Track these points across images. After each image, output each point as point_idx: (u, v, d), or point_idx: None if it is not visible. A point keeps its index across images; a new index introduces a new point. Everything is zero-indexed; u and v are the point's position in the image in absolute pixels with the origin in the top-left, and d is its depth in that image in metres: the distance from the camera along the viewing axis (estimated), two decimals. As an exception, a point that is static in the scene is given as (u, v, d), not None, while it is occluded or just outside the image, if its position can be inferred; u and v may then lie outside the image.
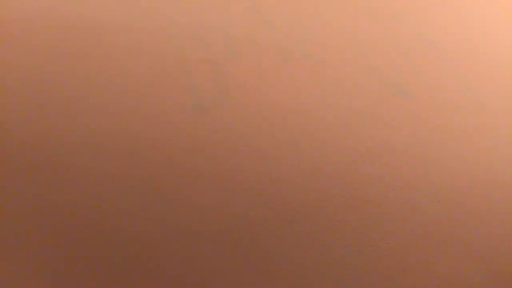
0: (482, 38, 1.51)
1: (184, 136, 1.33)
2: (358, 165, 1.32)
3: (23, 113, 1.34)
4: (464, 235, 1.25)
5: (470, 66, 1.47)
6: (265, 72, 1.42)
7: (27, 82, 1.38)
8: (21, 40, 1.43)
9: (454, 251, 1.23)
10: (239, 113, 1.36)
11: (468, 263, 1.22)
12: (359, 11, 1.52)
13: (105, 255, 1.18)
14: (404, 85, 1.43)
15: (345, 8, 1.52)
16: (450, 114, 1.40)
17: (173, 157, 1.30)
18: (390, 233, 1.24)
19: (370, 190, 1.29)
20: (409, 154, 1.34)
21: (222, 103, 1.37)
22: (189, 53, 1.43)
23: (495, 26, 1.53)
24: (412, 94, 1.42)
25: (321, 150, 1.33)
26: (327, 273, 1.19)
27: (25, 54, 1.41)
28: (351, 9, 1.53)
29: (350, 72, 1.44)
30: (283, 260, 1.20)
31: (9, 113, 1.34)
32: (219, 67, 1.42)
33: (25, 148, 1.29)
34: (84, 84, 1.38)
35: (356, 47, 1.47)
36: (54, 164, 1.28)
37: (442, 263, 1.22)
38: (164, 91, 1.38)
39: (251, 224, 1.23)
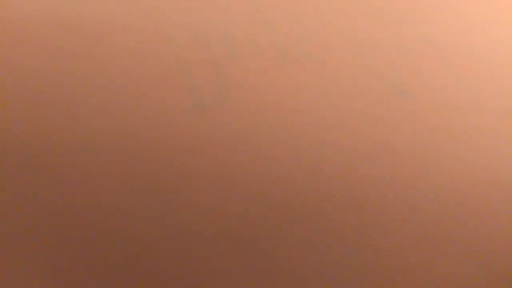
0: (482, 38, 1.51)
1: (184, 136, 1.33)
2: (358, 165, 1.32)
3: (23, 113, 1.34)
4: (464, 235, 1.25)
5: (470, 66, 1.47)
6: (265, 72, 1.42)
7: (27, 82, 1.38)
8: (21, 40, 1.43)
9: (454, 251, 1.23)
10: (239, 113, 1.36)
11: (468, 263, 1.22)
12: (359, 11, 1.52)
13: (105, 255, 1.18)
14: (404, 85, 1.43)
15: (345, 8, 1.52)
16: (450, 114, 1.40)
17: (173, 157, 1.30)
18: (390, 233, 1.24)
19: (370, 190, 1.29)
20: (409, 154, 1.34)
21: (222, 103, 1.37)
22: (189, 53, 1.43)
23: (495, 26, 1.53)
24: (412, 94, 1.42)
25: (321, 150, 1.33)
26: (327, 273, 1.19)
27: (25, 54, 1.41)
28: (351, 9, 1.53)
29: (350, 72, 1.44)
30: (283, 260, 1.20)
31: (9, 113, 1.34)
32: (219, 67, 1.42)
33: (25, 148, 1.29)
34: (84, 84, 1.38)
35: (356, 47, 1.47)
36: (54, 164, 1.28)
37: (442, 263, 1.22)
38: (164, 91, 1.38)
39: (251, 224, 1.23)
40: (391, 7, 1.54)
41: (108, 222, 1.22)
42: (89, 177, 1.27)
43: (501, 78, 1.46)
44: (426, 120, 1.39)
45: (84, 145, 1.30)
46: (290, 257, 1.20)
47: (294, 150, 1.33)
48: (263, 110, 1.37)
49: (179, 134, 1.33)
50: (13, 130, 1.32)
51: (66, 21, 1.46)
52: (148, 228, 1.22)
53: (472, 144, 1.36)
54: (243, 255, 1.20)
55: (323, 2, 1.53)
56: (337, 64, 1.44)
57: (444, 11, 1.54)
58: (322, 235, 1.23)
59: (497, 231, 1.26)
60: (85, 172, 1.27)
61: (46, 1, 1.48)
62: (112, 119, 1.34)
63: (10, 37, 1.43)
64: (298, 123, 1.36)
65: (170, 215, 1.23)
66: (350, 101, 1.40)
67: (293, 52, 1.45)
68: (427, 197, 1.29)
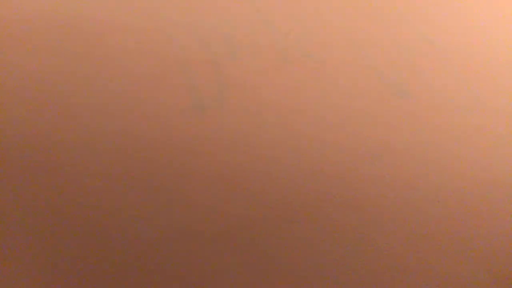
0: (482, 38, 1.51)
1: (184, 136, 1.33)
2: (358, 165, 1.32)
3: (23, 113, 1.34)
4: (464, 235, 1.25)
5: (470, 66, 1.47)
6: (265, 72, 1.42)
7: (27, 82, 1.38)
8: (21, 40, 1.43)
9: (454, 251, 1.23)
10: (239, 113, 1.36)
11: (468, 263, 1.22)
12: (359, 11, 1.52)
13: (105, 255, 1.18)
14: (404, 85, 1.43)
15: (345, 8, 1.52)
16: (450, 114, 1.40)
17: (173, 157, 1.30)
18: (390, 233, 1.24)
19: (370, 190, 1.29)
20: (409, 154, 1.34)
21: (222, 103, 1.37)
22: (189, 53, 1.43)
23: (495, 26, 1.53)
24: (412, 94, 1.42)
25: (321, 150, 1.33)
26: (327, 273, 1.19)
27: (25, 54, 1.41)
28: (351, 9, 1.52)
29: (350, 72, 1.44)
30: (283, 260, 1.20)
31: (9, 113, 1.34)
32: (219, 67, 1.42)
33: (25, 148, 1.29)
34: (84, 84, 1.38)
35: (356, 47, 1.47)
36: (54, 164, 1.28)
37: (442, 263, 1.22)
38: (164, 91, 1.38)
39: (251, 224, 1.23)
40: (391, 7, 1.54)
41: (108, 222, 1.22)
42: (89, 177, 1.27)
43: (501, 78, 1.46)
44: (426, 120, 1.39)
45: (84, 145, 1.30)
46: (290, 257, 1.20)
47: (294, 150, 1.33)
48: (263, 110, 1.37)
49: (179, 134, 1.33)
50: (13, 130, 1.32)
51: (66, 21, 1.46)
52: (148, 228, 1.22)
53: (472, 144, 1.36)
54: (243, 255, 1.20)
55: (323, 2, 1.53)
56: (337, 64, 1.44)
57: (444, 11, 1.54)
58: (322, 235, 1.23)
59: (497, 231, 1.26)
60: (85, 172, 1.27)
61: (46, 1, 1.48)
62: (112, 119, 1.34)
63: (10, 37, 1.43)
64: (298, 123, 1.36)
65: (170, 215, 1.23)
66: (350, 101, 1.40)
67: (293, 52, 1.45)
68: (427, 197, 1.29)
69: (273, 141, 1.34)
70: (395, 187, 1.29)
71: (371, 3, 1.55)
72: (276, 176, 1.29)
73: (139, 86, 1.39)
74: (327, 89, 1.41)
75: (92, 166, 1.28)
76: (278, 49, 1.45)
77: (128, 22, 1.47)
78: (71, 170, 1.27)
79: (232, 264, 1.19)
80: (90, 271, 1.17)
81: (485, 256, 1.23)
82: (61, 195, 1.24)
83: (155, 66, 1.41)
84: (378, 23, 1.51)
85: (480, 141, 1.37)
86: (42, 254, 1.18)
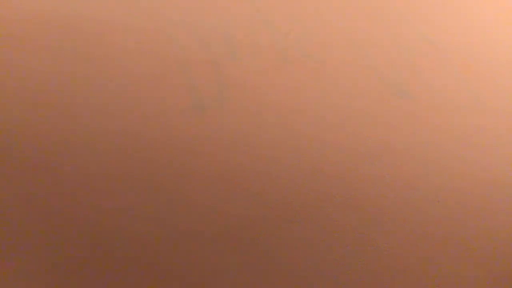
0: (482, 38, 1.51)
1: (184, 136, 1.33)
2: (358, 165, 1.32)
3: (23, 113, 1.34)
4: (464, 235, 1.25)
5: (470, 66, 1.47)
6: (265, 72, 1.42)
7: (27, 82, 1.38)
8: (21, 40, 1.43)
9: (454, 251, 1.23)
10: (239, 113, 1.36)
11: (468, 263, 1.22)
12: (359, 11, 1.52)
13: (105, 255, 1.18)
14: (404, 85, 1.43)
15: (345, 8, 1.52)
16: (450, 114, 1.40)
17: (173, 157, 1.30)
18: (390, 233, 1.24)
19: (370, 190, 1.29)
20: (409, 154, 1.34)
21: (222, 103, 1.37)
22: (189, 53, 1.43)
23: (495, 26, 1.53)
24: (412, 94, 1.42)
25: (321, 150, 1.33)
26: (327, 273, 1.19)
27: (25, 54, 1.41)
28: (351, 9, 1.52)
29: (350, 72, 1.44)
30: (283, 260, 1.20)
31: (9, 113, 1.34)
32: (219, 67, 1.42)
33: (25, 148, 1.29)
34: (84, 84, 1.38)
35: (356, 47, 1.47)
36: (54, 164, 1.28)
37: (442, 263, 1.22)
38: (164, 91, 1.38)
39: (251, 224, 1.23)
40: (391, 7, 1.53)
41: (108, 222, 1.22)
42: (89, 177, 1.27)
43: (501, 78, 1.46)
44: (426, 120, 1.39)
45: (84, 145, 1.30)
46: (290, 257, 1.20)
47: (294, 150, 1.33)
48: (263, 110, 1.37)
49: (179, 134, 1.33)
50: (13, 130, 1.32)
51: (66, 21, 1.46)
52: (148, 228, 1.22)
53: (472, 144, 1.36)
54: (243, 255, 1.20)
55: (323, 2, 1.53)
56: (337, 64, 1.44)
57: (444, 11, 1.54)
58: (322, 235, 1.23)
59: (497, 231, 1.26)
60: (85, 172, 1.27)
61: (46, 1, 1.48)
62: (112, 119, 1.34)
63: (10, 37, 1.43)
64: (298, 123, 1.36)
65: (170, 215, 1.23)
66: (350, 101, 1.40)
67: (293, 52, 1.45)
68: (427, 197, 1.29)
69: (273, 141, 1.34)
70: (395, 187, 1.29)
71: (371, 3, 1.55)
72: (276, 176, 1.29)
73: (139, 86, 1.39)
74: (327, 89, 1.41)
75: (92, 166, 1.28)
76: (278, 49, 1.45)
77: (128, 22, 1.47)
78: (71, 170, 1.27)
79: (232, 264, 1.19)
80: (90, 271, 1.17)
81: (485, 256, 1.23)
82: (61, 195, 1.24)
83: (155, 66, 1.41)
84: (378, 23, 1.51)
85: (480, 141, 1.37)
86: (42, 254, 1.18)
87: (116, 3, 1.50)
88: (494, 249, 1.24)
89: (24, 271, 1.16)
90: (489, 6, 1.57)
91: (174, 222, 1.22)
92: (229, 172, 1.29)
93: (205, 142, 1.32)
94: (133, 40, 1.44)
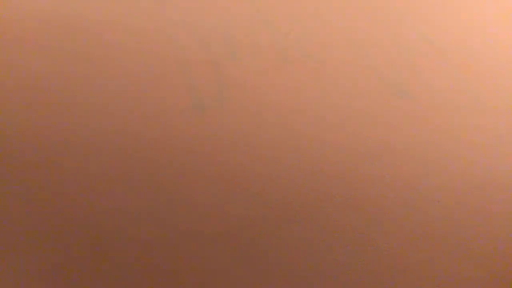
0: (482, 38, 1.51)
1: (184, 136, 1.33)
2: (358, 165, 1.32)
3: (23, 113, 1.34)
4: (464, 235, 1.25)
5: (470, 66, 1.47)
6: (265, 72, 1.42)
7: (27, 82, 1.38)
8: (21, 40, 1.43)
9: (454, 251, 1.23)
10: (239, 113, 1.36)
11: (468, 263, 1.22)
12: (359, 11, 1.52)
13: (105, 255, 1.18)
14: (404, 85, 1.43)
15: (345, 8, 1.52)
16: (450, 114, 1.40)
17: (173, 157, 1.30)
18: (390, 233, 1.24)
19: (370, 190, 1.29)
20: (409, 154, 1.34)
21: (222, 103, 1.37)
22: (189, 53, 1.43)
23: (495, 26, 1.53)
24: (412, 94, 1.42)
25: (321, 150, 1.33)
26: (327, 273, 1.19)
27: (25, 54, 1.41)
28: (351, 9, 1.52)
29: (350, 72, 1.44)
30: (283, 260, 1.20)
31: (9, 113, 1.34)
32: (219, 67, 1.42)
33: (25, 148, 1.29)
34: (84, 84, 1.38)
35: (356, 47, 1.47)
36: (53, 164, 1.28)
37: (442, 263, 1.22)
38: (164, 91, 1.38)
39: (251, 224, 1.23)
40: (391, 7, 1.53)
41: (108, 222, 1.22)
42: (89, 177, 1.27)
43: (501, 78, 1.46)
44: (426, 120, 1.39)
45: (84, 145, 1.30)
46: (290, 257, 1.20)
47: (294, 150, 1.33)
48: (263, 110, 1.37)
49: (179, 134, 1.33)
50: (13, 130, 1.32)
51: (66, 21, 1.46)
52: (148, 228, 1.22)
53: (472, 144, 1.36)
54: (243, 255, 1.20)
55: (323, 2, 1.53)
56: (337, 64, 1.44)
57: (444, 11, 1.54)
58: (322, 235, 1.23)
59: (497, 231, 1.26)
60: (85, 172, 1.27)
61: (46, 1, 1.48)
62: (112, 119, 1.34)
63: (10, 37, 1.43)
64: (298, 123, 1.36)
65: (170, 215, 1.23)
66: (350, 101, 1.40)
67: (293, 52, 1.45)
68: (427, 197, 1.29)
69: (273, 141, 1.34)
70: (395, 187, 1.29)
71: (371, 3, 1.55)
72: (276, 176, 1.29)
73: (139, 86, 1.39)
74: (327, 89, 1.41)
75: (92, 166, 1.28)
76: (278, 49, 1.45)
77: (128, 22, 1.47)
78: (71, 170, 1.27)
79: (232, 264, 1.19)
80: (90, 270, 1.16)
81: (485, 256, 1.23)
82: (61, 195, 1.24)
83: (155, 66, 1.41)
84: (378, 23, 1.51)
85: (480, 141, 1.37)
86: (42, 254, 1.18)
87: (116, 3, 1.50)
88: (494, 249, 1.24)
89: (24, 271, 1.16)
90: (489, 6, 1.57)
91: (174, 222, 1.22)
92: (229, 172, 1.29)
93: (205, 142, 1.32)
94: (133, 40, 1.44)
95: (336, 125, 1.37)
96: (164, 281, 1.16)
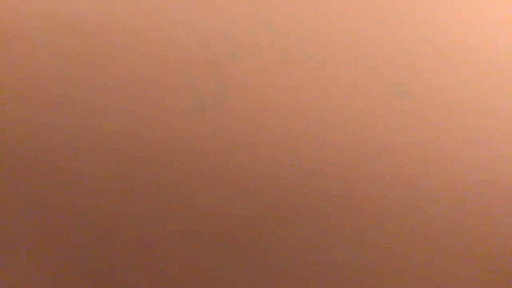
0: (482, 38, 1.51)
1: (184, 136, 1.33)
2: (358, 165, 1.32)
3: (23, 113, 1.34)
4: (464, 235, 1.25)
5: (470, 66, 1.47)
6: (265, 72, 1.42)
7: (27, 82, 1.38)
8: (21, 40, 1.43)
9: (454, 251, 1.23)
10: (239, 113, 1.36)
11: (468, 263, 1.22)
12: (359, 11, 1.52)
13: (105, 255, 1.18)
14: (404, 85, 1.43)
15: (345, 8, 1.52)
16: (450, 114, 1.40)
17: (173, 157, 1.30)
18: (390, 233, 1.24)
19: (370, 190, 1.29)
20: (409, 154, 1.34)
21: (222, 103, 1.37)
22: (189, 53, 1.43)
23: (495, 26, 1.53)
24: (412, 94, 1.42)
25: (321, 150, 1.33)
26: (327, 273, 1.19)
27: (25, 54, 1.41)
28: (351, 9, 1.52)
29: (350, 72, 1.44)
30: (283, 260, 1.20)
31: (9, 113, 1.34)
32: (219, 67, 1.42)
33: (25, 148, 1.29)
34: (84, 84, 1.38)
35: (356, 47, 1.47)
36: (53, 164, 1.28)
37: (442, 263, 1.22)
38: (164, 91, 1.38)
39: (251, 224, 1.23)
40: (391, 7, 1.53)
41: (108, 222, 1.22)
42: (89, 177, 1.27)
43: (501, 78, 1.46)
44: (426, 120, 1.39)
45: (84, 145, 1.30)
46: (290, 257, 1.20)
47: (294, 150, 1.33)
48: (263, 110, 1.37)
49: (179, 134, 1.33)
50: (13, 130, 1.32)
51: (66, 21, 1.46)
52: (148, 228, 1.22)
53: (472, 144, 1.36)
54: (243, 255, 1.20)
55: (323, 2, 1.53)
56: (337, 64, 1.44)
57: (444, 11, 1.54)
58: (322, 235, 1.23)
59: (497, 231, 1.26)
60: (85, 172, 1.27)
61: (46, 1, 1.48)
62: (112, 119, 1.34)
63: (10, 37, 1.43)
64: (298, 123, 1.36)
65: (170, 215, 1.23)
66: (350, 101, 1.40)
67: (293, 52, 1.45)
68: (427, 197, 1.29)
69: (273, 141, 1.34)
70: (395, 187, 1.29)
71: (371, 3, 1.55)
72: (276, 176, 1.29)
73: (139, 86, 1.39)
74: (327, 89, 1.41)
75: (92, 166, 1.28)
76: (278, 49, 1.45)
77: (128, 22, 1.47)
78: (71, 170, 1.27)
79: (232, 264, 1.19)
80: (90, 271, 1.16)
81: (485, 256, 1.23)
82: (61, 195, 1.24)
83: (155, 66, 1.41)
84: (378, 23, 1.51)
85: (480, 141, 1.37)
86: (42, 254, 1.18)
87: (116, 3, 1.50)
88: (494, 249, 1.24)
89: (24, 271, 1.16)
90: (489, 6, 1.57)
91: (174, 222, 1.22)
92: (229, 172, 1.29)
93: (205, 142, 1.32)
94: (133, 40, 1.44)
95: (336, 125, 1.37)
96: (164, 281, 1.16)
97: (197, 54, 1.43)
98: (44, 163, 1.28)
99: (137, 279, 1.16)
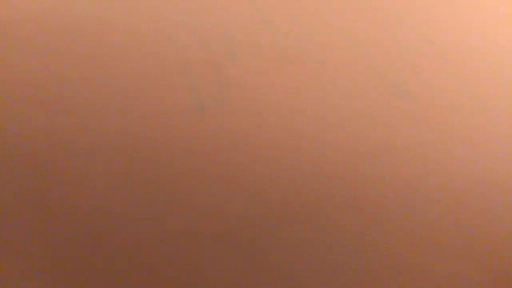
0: (482, 38, 1.51)
1: (184, 136, 1.33)
2: (358, 165, 1.32)
3: (23, 113, 1.34)
4: (464, 235, 1.25)
5: (470, 66, 1.47)
6: (265, 72, 1.42)
7: (27, 82, 1.38)
8: (21, 40, 1.43)
9: (454, 251, 1.23)
10: (239, 113, 1.36)
11: (468, 263, 1.22)
12: (359, 11, 1.52)
13: (105, 255, 1.18)
14: (404, 85, 1.43)
15: (345, 8, 1.52)
16: (450, 114, 1.40)
17: (173, 157, 1.30)
18: (390, 233, 1.24)
19: (370, 190, 1.29)
20: (409, 154, 1.34)
21: (222, 103, 1.37)
22: (189, 53, 1.43)
23: (495, 26, 1.53)
24: (412, 94, 1.42)
25: (321, 150, 1.33)
26: (327, 273, 1.19)
27: (25, 54, 1.41)
28: (351, 9, 1.52)
29: (350, 72, 1.44)
30: (283, 260, 1.20)
31: (9, 113, 1.34)
32: (219, 67, 1.42)
33: (25, 148, 1.30)
34: (84, 84, 1.38)
35: (356, 47, 1.47)
36: (54, 164, 1.28)
37: (442, 263, 1.22)
38: (164, 91, 1.38)
39: (251, 224, 1.23)
40: (391, 7, 1.53)
41: (107, 222, 1.22)
42: (89, 177, 1.27)
43: (501, 78, 1.46)
44: (426, 120, 1.39)
45: (84, 145, 1.30)
46: (290, 257, 1.20)
47: (294, 150, 1.33)
48: (263, 110, 1.37)
49: (179, 134, 1.33)
50: (12, 130, 1.32)
51: (66, 21, 1.46)
52: (148, 228, 1.22)
53: (472, 144, 1.36)
54: (243, 255, 1.20)
55: (323, 2, 1.53)
56: (337, 64, 1.44)
57: (444, 11, 1.54)
58: (322, 235, 1.23)
59: (497, 231, 1.26)
60: (85, 172, 1.27)
61: (46, 1, 1.48)
62: (112, 119, 1.34)
63: (10, 37, 1.43)
64: (298, 123, 1.36)
65: (170, 215, 1.23)
66: (350, 101, 1.40)
67: (293, 52, 1.45)
68: (427, 197, 1.29)
69: (273, 141, 1.34)
70: (395, 187, 1.30)
71: (371, 3, 1.55)
72: (276, 176, 1.29)
73: (139, 86, 1.39)
74: (327, 89, 1.41)
75: (92, 166, 1.28)
76: (278, 49, 1.45)
77: (128, 22, 1.47)
78: (71, 170, 1.27)
79: (232, 264, 1.19)
80: (90, 271, 1.17)
81: (485, 256, 1.23)
82: (61, 195, 1.24)
83: (155, 66, 1.41)
84: (378, 23, 1.51)
85: (480, 141, 1.37)
86: (42, 254, 1.18)
87: (116, 3, 1.50)
88: (494, 249, 1.24)
89: (25, 271, 1.16)
90: (488, 6, 1.57)
91: (174, 222, 1.22)
92: (229, 172, 1.29)
93: (205, 142, 1.32)
94: (133, 40, 1.44)
95: (336, 125, 1.37)
96: (164, 281, 1.16)
97: (197, 54, 1.43)
98: (43, 163, 1.28)
99: (137, 279, 1.16)
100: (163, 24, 1.47)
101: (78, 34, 1.44)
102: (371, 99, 1.41)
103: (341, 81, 1.42)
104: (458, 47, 1.49)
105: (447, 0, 1.57)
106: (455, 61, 1.47)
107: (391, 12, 1.53)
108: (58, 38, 1.44)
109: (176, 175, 1.28)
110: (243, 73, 1.41)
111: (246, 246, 1.21)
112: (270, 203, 1.26)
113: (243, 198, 1.26)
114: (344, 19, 1.51)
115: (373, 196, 1.28)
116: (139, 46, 1.43)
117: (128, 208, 1.24)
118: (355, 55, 1.46)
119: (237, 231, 1.22)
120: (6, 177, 1.26)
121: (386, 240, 1.23)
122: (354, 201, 1.27)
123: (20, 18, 1.46)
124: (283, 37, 1.47)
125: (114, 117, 1.34)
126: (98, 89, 1.38)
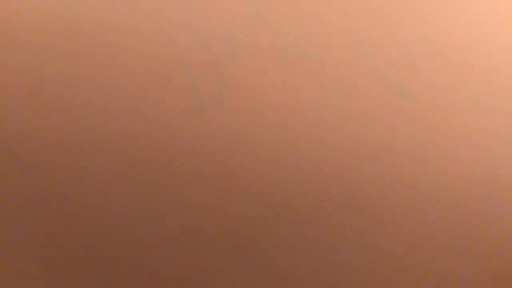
0: (482, 38, 1.51)
1: (184, 136, 1.33)
2: (358, 165, 1.32)
3: (23, 113, 1.34)
4: (464, 235, 1.25)
5: (470, 66, 1.47)
6: (265, 72, 1.42)
7: (27, 82, 1.38)
8: (21, 40, 1.42)
9: (454, 251, 1.23)
10: (239, 113, 1.36)
11: (468, 263, 1.22)
12: (359, 11, 1.52)
13: (105, 255, 1.18)
14: (404, 85, 1.43)
15: (345, 8, 1.52)
16: (450, 114, 1.40)
17: (173, 157, 1.30)
18: (390, 233, 1.24)
19: (370, 190, 1.29)
20: (409, 154, 1.34)
21: (222, 103, 1.37)
22: (189, 53, 1.43)
23: (495, 26, 1.53)
24: (412, 94, 1.42)
25: (321, 150, 1.33)
26: (327, 273, 1.19)
27: (25, 54, 1.41)
28: (351, 9, 1.52)
29: (350, 72, 1.44)
30: (283, 260, 1.20)
31: (9, 113, 1.34)
32: (219, 67, 1.42)
33: (25, 148, 1.29)
34: (84, 84, 1.38)
35: (356, 47, 1.47)
36: (54, 164, 1.28)
37: (442, 263, 1.22)
38: (164, 91, 1.38)
39: (251, 224, 1.23)
40: (391, 7, 1.53)
41: (107, 222, 1.22)
42: (89, 177, 1.27)
43: (501, 78, 1.46)
44: (426, 120, 1.39)
45: (84, 145, 1.30)
46: (290, 257, 1.20)
47: (294, 150, 1.33)
48: (263, 110, 1.37)
49: (179, 134, 1.33)
50: (12, 130, 1.32)
51: (66, 21, 1.46)
52: (148, 228, 1.22)
53: (472, 144, 1.36)
54: (243, 255, 1.20)
55: (323, 2, 1.53)
56: (337, 64, 1.44)
57: (444, 11, 1.54)
58: (322, 235, 1.23)
59: (497, 231, 1.26)
60: (85, 172, 1.27)
61: (46, 1, 1.48)
62: (112, 119, 1.34)
63: (10, 37, 1.43)
64: (298, 123, 1.36)
65: (170, 215, 1.23)
66: (350, 101, 1.40)
67: (293, 52, 1.45)
68: (427, 197, 1.29)
69: (273, 141, 1.34)
70: (395, 187, 1.29)
71: (371, 3, 1.54)
72: (276, 176, 1.29)
73: (139, 86, 1.39)
74: (327, 89, 1.41)
75: (92, 166, 1.28)
76: (278, 49, 1.45)
77: (128, 22, 1.47)
78: (71, 170, 1.27)
79: (232, 264, 1.19)
80: (90, 270, 1.17)
81: (485, 256, 1.23)
82: (61, 195, 1.24)
83: (155, 66, 1.41)
84: (378, 23, 1.51)
85: (480, 141, 1.37)
86: (42, 254, 1.18)
87: (116, 3, 1.50)
88: (494, 249, 1.24)
89: (25, 271, 1.16)
90: (488, 6, 1.57)
91: (174, 222, 1.22)
92: (229, 172, 1.29)
93: (205, 142, 1.32)
94: (133, 40, 1.44)
95: (336, 125, 1.37)
96: (164, 281, 1.16)
97: (197, 54, 1.43)
98: (44, 163, 1.28)
99: (137, 279, 1.16)
100: (163, 24, 1.47)
101: (78, 34, 1.44)
102: (371, 99, 1.41)
103: (341, 81, 1.42)
104: (458, 47, 1.49)
105: (447, 0, 1.56)
106: (455, 61, 1.47)
107: (391, 12, 1.53)
108: (58, 38, 1.44)
109: (176, 175, 1.28)
110: (243, 73, 1.41)
111: (246, 246, 1.21)
112: (270, 203, 1.26)
113: (243, 198, 1.26)
114: (344, 19, 1.51)
115: (373, 196, 1.28)
116: (139, 46, 1.43)
117: (128, 208, 1.24)
118: (355, 55, 1.46)
119: (237, 231, 1.22)
120: (6, 177, 1.26)
121: (386, 240, 1.23)
122: (354, 201, 1.27)
123: (20, 18, 1.45)
124: (283, 37, 1.47)
125: (114, 117, 1.34)
126: (98, 89, 1.38)
